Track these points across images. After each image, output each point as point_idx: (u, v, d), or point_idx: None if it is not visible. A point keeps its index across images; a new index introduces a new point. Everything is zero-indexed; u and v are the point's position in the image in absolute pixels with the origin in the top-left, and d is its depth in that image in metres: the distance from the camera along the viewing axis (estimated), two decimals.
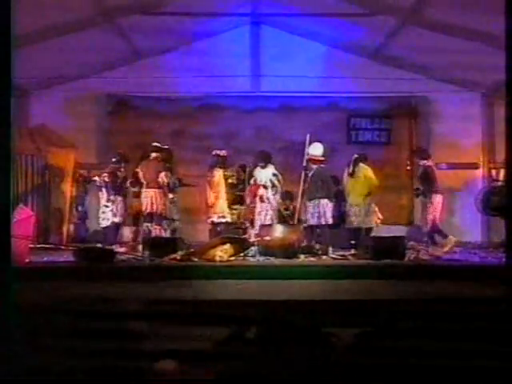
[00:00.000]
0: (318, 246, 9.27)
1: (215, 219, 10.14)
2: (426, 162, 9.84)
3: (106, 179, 10.02)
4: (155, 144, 10.12)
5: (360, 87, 11.98)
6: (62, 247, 10.20)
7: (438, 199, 9.62)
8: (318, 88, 12.02)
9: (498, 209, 10.60)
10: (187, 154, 10.98)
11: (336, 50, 12.17)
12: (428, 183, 9.72)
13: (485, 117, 12.36)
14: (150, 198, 9.78)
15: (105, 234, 10.22)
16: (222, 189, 10.16)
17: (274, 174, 9.84)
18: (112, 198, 10.03)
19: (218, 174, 10.15)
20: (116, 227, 10.14)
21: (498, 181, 11.89)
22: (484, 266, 7.99)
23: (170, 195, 10.13)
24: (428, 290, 5.96)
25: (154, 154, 10.00)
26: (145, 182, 9.89)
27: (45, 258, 8.50)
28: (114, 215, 10.00)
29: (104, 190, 10.09)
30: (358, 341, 4.41)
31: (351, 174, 9.95)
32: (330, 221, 9.42)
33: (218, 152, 10.30)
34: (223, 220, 10.16)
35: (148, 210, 9.78)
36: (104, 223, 10.11)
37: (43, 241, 10.08)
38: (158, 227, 9.80)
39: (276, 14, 11.85)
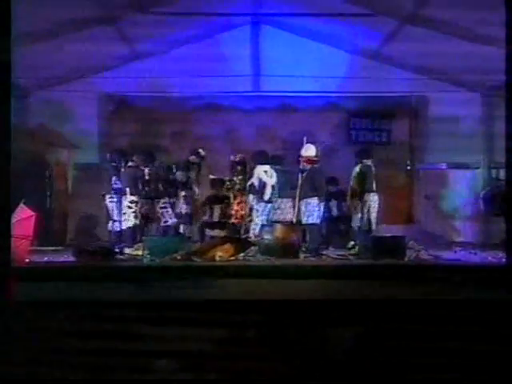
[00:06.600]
0: (310, 245, 9.29)
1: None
2: (366, 161, 9.84)
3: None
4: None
5: (360, 87, 11.96)
6: (63, 247, 10.22)
7: (375, 199, 9.64)
8: (318, 88, 12.00)
9: (501, 209, 10.58)
10: (186, 155, 10.94)
11: (336, 49, 12.16)
12: (365, 183, 9.71)
13: (485, 117, 12.35)
14: None
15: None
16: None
17: (266, 171, 9.86)
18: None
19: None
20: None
21: (499, 181, 11.88)
22: (484, 266, 8.00)
23: None
24: (427, 290, 5.97)
25: None
26: None
27: (45, 258, 8.50)
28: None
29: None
30: (358, 340, 4.41)
31: None
32: (319, 220, 9.41)
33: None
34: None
35: None
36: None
37: (43, 241, 10.05)
38: None
39: (276, 13, 11.84)
